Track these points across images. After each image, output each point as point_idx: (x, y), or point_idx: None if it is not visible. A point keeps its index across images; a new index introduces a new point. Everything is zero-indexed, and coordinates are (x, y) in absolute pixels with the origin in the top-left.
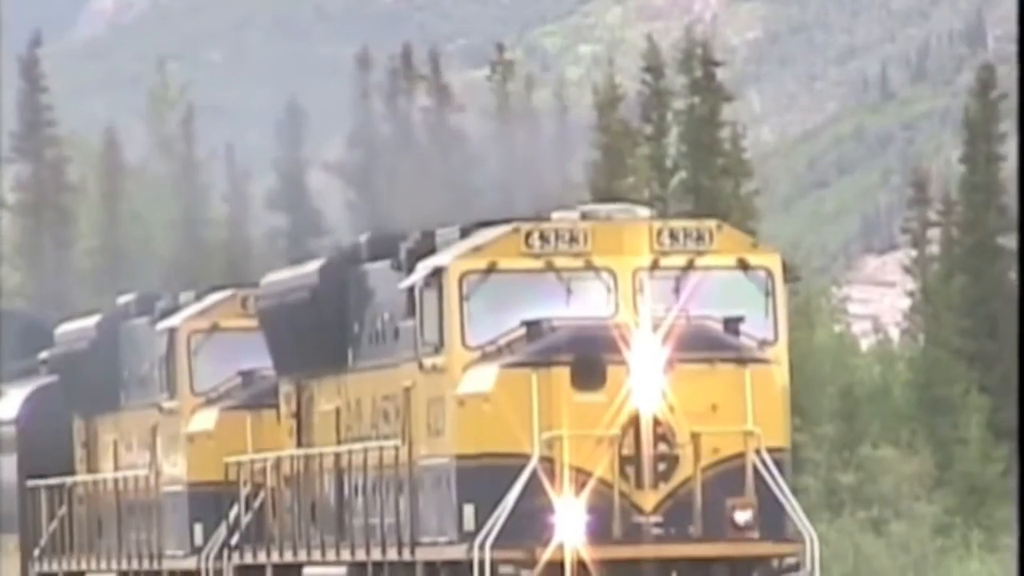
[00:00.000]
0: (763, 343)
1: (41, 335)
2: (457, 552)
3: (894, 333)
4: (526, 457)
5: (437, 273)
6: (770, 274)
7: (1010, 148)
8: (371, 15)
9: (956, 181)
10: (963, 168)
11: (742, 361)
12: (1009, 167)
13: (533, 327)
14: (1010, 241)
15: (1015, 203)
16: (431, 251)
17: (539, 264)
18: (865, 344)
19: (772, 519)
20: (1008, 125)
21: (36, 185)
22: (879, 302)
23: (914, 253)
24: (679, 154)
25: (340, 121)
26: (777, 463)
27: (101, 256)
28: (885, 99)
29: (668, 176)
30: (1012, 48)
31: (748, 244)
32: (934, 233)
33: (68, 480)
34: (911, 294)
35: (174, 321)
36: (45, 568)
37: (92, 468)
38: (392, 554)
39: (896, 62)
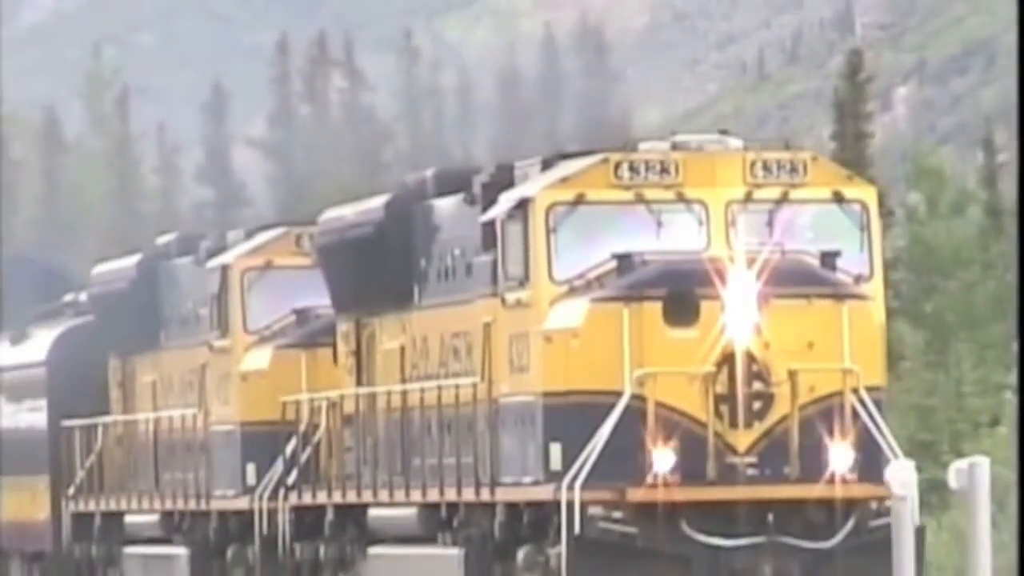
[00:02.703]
0: (859, 278)
1: (57, 280)
2: (543, 492)
3: None
4: (617, 395)
5: (523, 204)
6: (865, 208)
7: (876, 126)
8: (290, 4)
9: (827, 156)
10: (833, 144)
11: (839, 297)
12: (876, 144)
13: (624, 261)
14: None
15: (1015, 206)
16: (508, 184)
17: (629, 195)
18: None
19: (870, 460)
20: (875, 105)
21: None
22: None
23: None
24: (575, 129)
25: (262, 101)
26: (876, 402)
27: (42, 225)
28: (762, 81)
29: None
30: (878, 34)
31: (843, 176)
32: None
33: (105, 420)
34: None
35: (227, 258)
36: (80, 508)
37: (129, 408)
38: (469, 495)
39: (772, 47)
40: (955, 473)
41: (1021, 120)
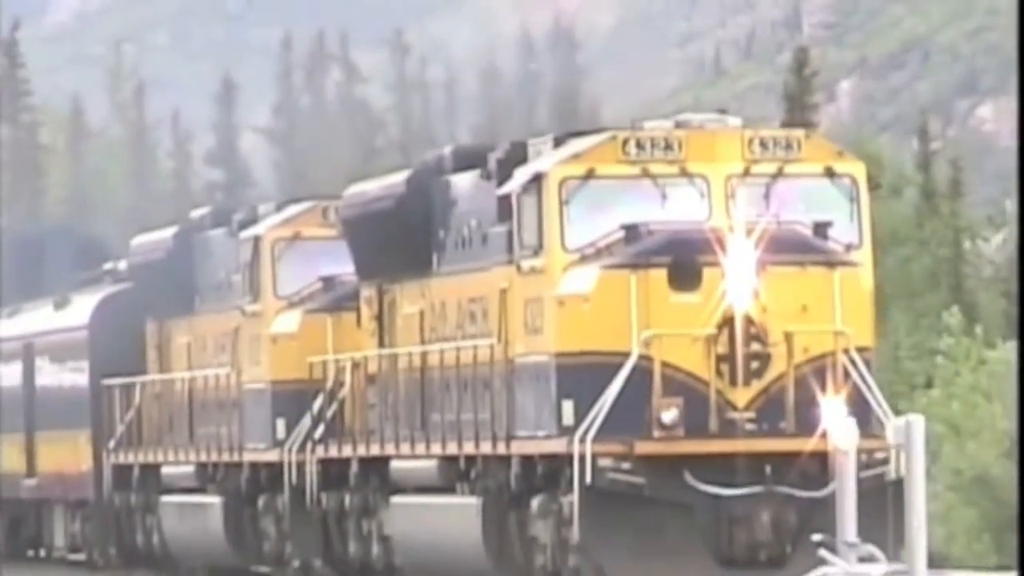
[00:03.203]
0: (849, 247)
1: (95, 249)
2: (556, 446)
3: None
4: (625, 355)
5: (537, 179)
6: (855, 181)
7: (822, 116)
8: (292, 4)
9: None
10: None
11: (831, 264)
12: (821, 133)
13: (631, 230)
14: None
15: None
16: (522, 160)
17: (635, 170)
18: None
19: (860, 415)
20: (820, 97)
21: (15, 145)
22: None
23: None
24: (549, 119)
25: (266, 93)
26: (865, 362)
27: (69, 204)
28: (719, 76)
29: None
30: (823, 33)
31: (834, 152)
32: None
33: (143, 379)
34: None
35: (259, 229)
36: (120, 460)
37: (164, 368)
38: (486, 448)
39: (727, 45)
40: (893, 429)
41: (1021, 119)
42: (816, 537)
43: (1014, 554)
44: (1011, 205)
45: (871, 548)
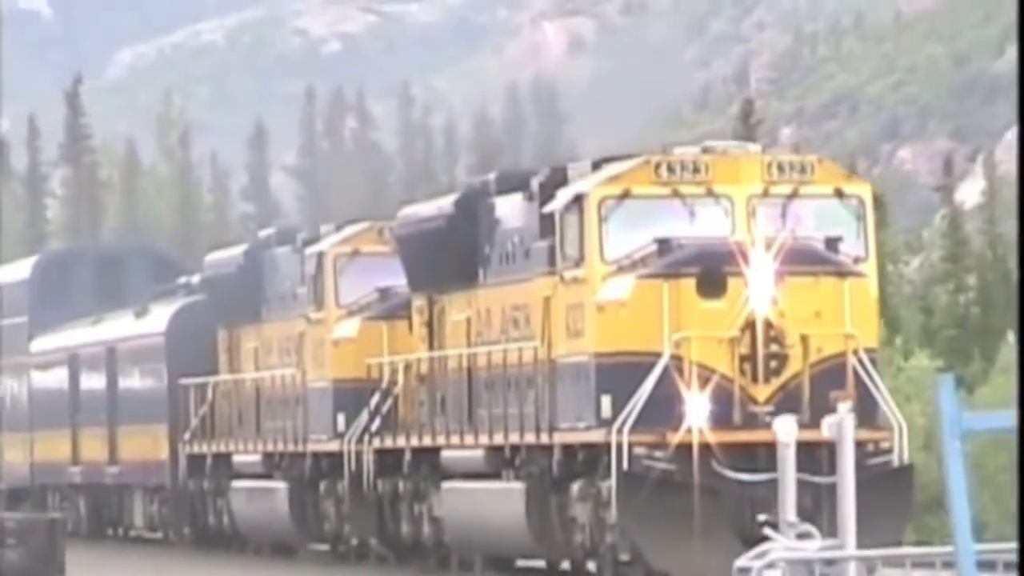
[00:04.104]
0: (856, 259)
1: (169, 266)
2: (596, 436)
3: None
4: (658, 355)
5: (579, 199)
6: (862, 201)
7: None
8: (316, 61)
9: None
10: None
11: (841, 274)
12: None
13: (663, 244)
14: None
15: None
16: (562, 183)
17: (667, 191)
18: None
19: (867, 409)
20: (765, 142)
21: (76, 182)
22: None
23: None
24: (533, 159)
25: (293, 137)
26: (871, 361)
27: (123, 233)
28: (679, 124)
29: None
30: (768, 87)
31: (843, 176)
32: None
33: (215, 379)
34: None
35: (323, 246)
36: (194, 450)
37: (234, 369)
38: (530, 438)
39: (686, 98)
40: (826, 426)
41: (1021, 122)
42: (761, 517)
43: (932, 533)
44: (927, 233)
45: (808, 527)
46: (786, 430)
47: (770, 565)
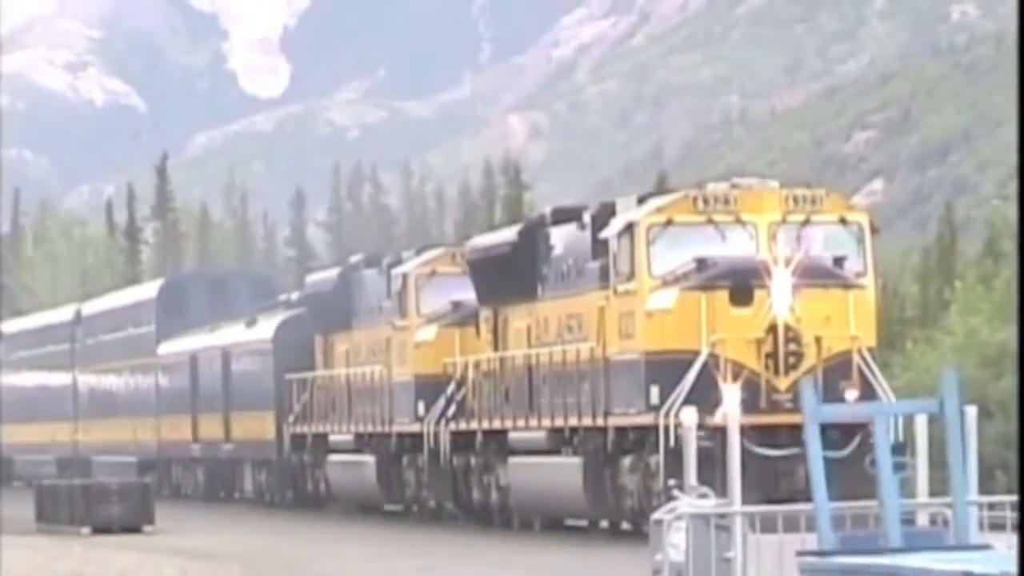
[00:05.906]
0: (858, 275)
1: (267, 286)
2: (646, 418)
3: None
4: (697, 353)
5: (630, 226)
6: (862, 227)
7: None
8: (341, 144)
9: None
10: None
11: (847, 287)
12: None
13: (701, 262)
14: None
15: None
16: (611, 214)
17: (703, 219)
18: None
19: (867, 396)
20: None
21: (163, 234)
22: None
23: None
24: (501, 218)
25: (324, 200)
26: (872, 358)
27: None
28: (611, 192)
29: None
30: (676, 164)
31: (846, 206)
32: None
33: (314, 374)
34: None
35: (407, 268)
36: (296, 431)
37: (328, 367)
38: (587, 421)
39: (616, 171)
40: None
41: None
42: (670, 482)
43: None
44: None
45: (705, 489)
46: (689, 417)
47: (678, 518)
